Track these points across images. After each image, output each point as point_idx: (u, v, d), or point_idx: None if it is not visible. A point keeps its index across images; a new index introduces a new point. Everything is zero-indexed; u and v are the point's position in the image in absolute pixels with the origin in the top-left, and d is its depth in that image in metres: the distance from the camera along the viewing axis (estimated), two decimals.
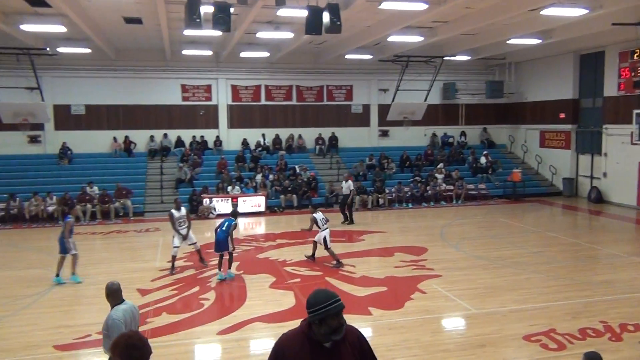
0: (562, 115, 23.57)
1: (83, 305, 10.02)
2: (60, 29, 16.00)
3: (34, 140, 22.31)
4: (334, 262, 12.36)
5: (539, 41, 19.27)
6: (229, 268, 11.69)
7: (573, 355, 7.37)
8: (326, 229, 12.55)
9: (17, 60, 19.11)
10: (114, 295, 5.45)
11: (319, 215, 12.65)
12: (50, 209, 18.72)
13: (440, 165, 23.91)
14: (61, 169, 21.67)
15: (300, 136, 24.81)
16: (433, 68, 22.64)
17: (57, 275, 11.29)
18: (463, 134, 26.85)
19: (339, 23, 11.27)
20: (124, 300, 5.50)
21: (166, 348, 7.93)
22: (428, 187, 22.24)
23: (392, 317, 9.07)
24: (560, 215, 20.38)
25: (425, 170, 23.83)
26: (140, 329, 8.51)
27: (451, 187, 22.49)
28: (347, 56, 22.41)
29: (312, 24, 11.46)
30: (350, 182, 18.62)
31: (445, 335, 8.61)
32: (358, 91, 25.66)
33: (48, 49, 18.80)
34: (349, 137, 25.44)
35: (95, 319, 9.05)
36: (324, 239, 12.40)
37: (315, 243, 12.74)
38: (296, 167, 22.65)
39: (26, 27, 15.66)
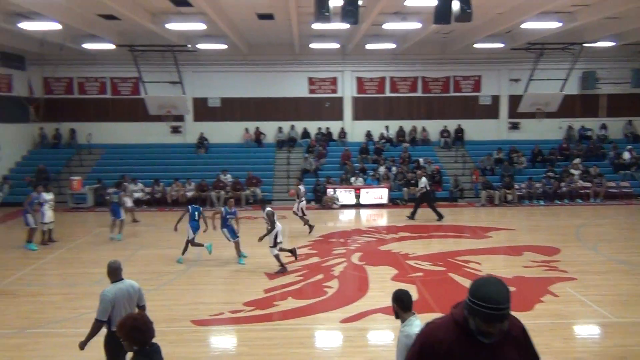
0: None
1: (217, 285, 10.71)
2: (201, 26, 17.14)
3: (175, 130, 24.27)
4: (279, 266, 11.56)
5: None
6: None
7: None
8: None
9: (162, 57, 20.85)
10: (113, 273, 5.82)
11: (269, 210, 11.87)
12: (189, 194, 20.23)
13: (577, 160, 22.22)
14: (198, 158, 23.34)
15: (424, 128, 24.38)
16: (571, 55, 21.04)
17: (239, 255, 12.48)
18: (603, 126, 24.68)
19: (469, 11, 10.88)
20: (122, 279, 5.82)
21: (292, 331, 8.26)
22: (562, 184, 20.79)
23: (520, 320, 8.62)
24: None
25: (560, 165, 22.28)
26: (268, 311, 9.02)
27: (589, 184, 20.83)
28: (476, 45, 21.56)
29: (441, 13, 11.19)
30: (424, 178, 17.91)
31: (579, 343, 8.04)
32: (487, 81, 24.62)
33: (189, 45, 20.25)
34: (476, 129, 24.53)
35: (227, 299, 9.73)
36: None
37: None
38: (420, 159, 22.32)
39: (171, 26, 16.99)
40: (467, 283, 10.14)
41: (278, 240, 11.39)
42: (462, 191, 20.90)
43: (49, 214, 14.00)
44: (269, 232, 11.38)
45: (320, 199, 19.99)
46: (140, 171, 21.34)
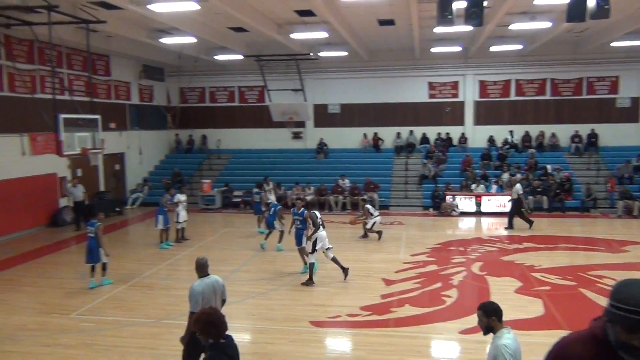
0: None
1: (335, 288, 10.88)
2: (323, 35, 17.61)
3: (296, 136, 25.13)
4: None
5: None
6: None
7: None
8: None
9: (285, 66, 21.70)
10: (200, 268, 6.23)
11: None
12: (309, 197, 20.81)
13: None
14: (318, 163, 23.94)
15: (553, 134, 22.94)
16: None
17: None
18: None
19: (607, 7, 10.10)
20: (208, 275, 6.20)
21: (409, 339, 8.19)
22: None
23: None
24: None
25: None
26: (385, 317, 9.02)
27: None
28: (614, 44, 19.88)
29: (575, 11, 10.50)
30: (518, 185, 16.84)
31: None
32: (625, 82, 22.60)
33: (311, 54, 20.86)
34: (613, 134, 22.59)
35: (345, 302, 9.86)
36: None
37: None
38: (548, 166, 21.03)
39: (295, 36, 17.64)
40: (601, 300, 9.44)
41: (317, 247, 11.10)
42: (595, 201, 19.36)
43: (182, 214, 15.13)
44: (312, 233, 11.20)
45: (438, 206, 19.58)
46: (264, 175, 22.32)
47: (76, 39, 15.51)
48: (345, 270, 11.18)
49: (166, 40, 18.07)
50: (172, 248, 14.51)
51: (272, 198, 18.37)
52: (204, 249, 14.48)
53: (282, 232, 13.99)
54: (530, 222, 16.48)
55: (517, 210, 16.71)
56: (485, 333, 4.52)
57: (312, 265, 11.12)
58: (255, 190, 17.20)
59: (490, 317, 4.46)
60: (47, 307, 9.81)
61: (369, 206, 15.54)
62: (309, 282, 10.99)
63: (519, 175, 20.15)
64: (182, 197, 15.20)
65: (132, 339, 8.27)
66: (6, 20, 13.43)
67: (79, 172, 18.91)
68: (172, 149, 26.17)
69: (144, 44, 18.96)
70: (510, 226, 16.65)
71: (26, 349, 7.98)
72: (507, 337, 4.34)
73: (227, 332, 4.40)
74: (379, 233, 15.23)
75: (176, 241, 15.10)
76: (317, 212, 11.55)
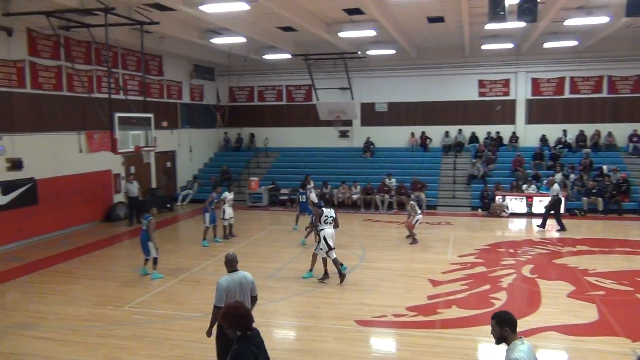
0: None
1: (380, 288, 10.82)
2: (371, 33, 17.53)
3: (343, 134, 25.14)
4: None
5: None
6: None
7: None
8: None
9: (333, 64, 21.73)
10: (228, 264, 6.31)
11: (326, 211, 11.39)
12: (354, 196, 20.78)
13: None
14: (365, 161, 23.86)
15: (610, 133, 22.05)
16: None
17: None
18: None
19: None
20: (237, 270, 6.26)
21: (456, 341, 8.08)
22: None
23: None
24: None
25: None
26: (431, 317, 8.92)
27: None
28: None
29: (635, 5, 10.09)
30: (556, 185, 16.49)
31: None
32: None
33: (359, 52, 20.81)
34: None
35: (390, 302, 9.80)
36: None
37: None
38: (604, 166, 20.24)
39: (344, 35, 17.63)
40: None
41: (331, 245, 11.06)
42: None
43: (229, 211, 15.42)
44: (313, 229, 11.19)
45: (487, 207, 19.18)
46: (311, 174, 22.41)
47: (131, 40, 16.02)
48: (342, 276, 11.04)
49: (216, 41, 18.42)
50: (220, 244, 14.79)
51: (312, 197, 18.55)
52: (251, 246, 14.70)
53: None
54: (563, 228, 16.05)
55: (555, 210, 16.30)
56: (498, 343, 4.36)
57: (336, 261, 11.08)
58: (300, 190, 17.45)
59: (503, 328, 4.29)
60: (102, 299, 10.19)
61: (413, 202, 15.31)
62: (325, 276, 11.13)
63: (558, 176, 19.52)
64: (229, 195, 15.49)
65: (182, 332, 8.50)
66: (66, 23, 14.00)
67: (132, 169, 19.54)
68: (221, 147, 26.66)
69: (195, 44, 19.39)
70: (542, 226, 16.40)
71: (82, 338, 8.32)
72: (520, 350, 4.18)
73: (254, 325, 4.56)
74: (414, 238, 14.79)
75: (224, 237, 15.39)
76: (327, 210, 11.37)
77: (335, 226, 11.41)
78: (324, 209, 11.41)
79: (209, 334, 6.24)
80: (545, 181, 19.73)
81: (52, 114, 16.08)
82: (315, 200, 18.80)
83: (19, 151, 14.77)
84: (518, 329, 8.22)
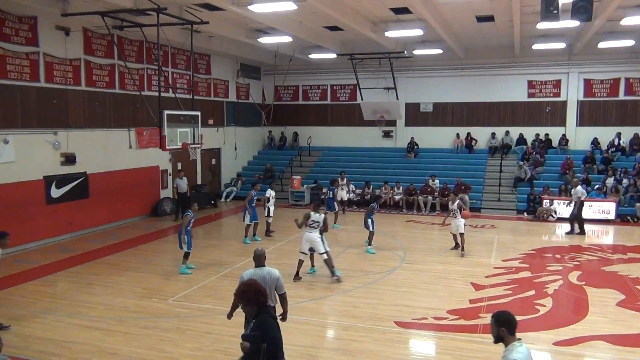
0: None
1: (421, 290, 10.72)
2: (418, 32, 17.34)
3: (387, 135, 24.99)
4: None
5: None
6: None
7: None
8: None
9: (379, 64, 21.59)
10: (256, 259, 6.68)
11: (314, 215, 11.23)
12: (397, 197, 20.63)
13: None
14: (408, 162, 23.65)
15: None
16: None
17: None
18: None
19: None
20: (263, 266, 6.61)
21: (497, 347, 7.88)
22: None
23: None
24: None
25: None
26: (473, 322, 8.77)
27: None
28: None
29: None
30: (579, 187, 16.29)
31: None
32: None
33: (405, 52, 20.63)
34: None
35: (431, 304, 9.70)
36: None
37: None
38: None
39: (390, 34, 17.51)
40: None
41: (304, 248, 11.24)
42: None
43: (272, 209, 15.63)
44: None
45: (534, 210, 18.68)
46: (353, 173, 22.36)
47: (180, 39, 16.39)
48: (297, 276, 11.12)
49: (263, 40, 18.63)
50: (262, 242, 14.95)
51: (343, 194, 18.72)
52: (291, 244, 14.79)
53: (371, 233, 13.96)
54: (578, 231, 16.04)
55: (579, 213, 16.15)
56: (495, 342, 4.38)
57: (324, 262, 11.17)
58: (330, 187, 17.74)
59: (501, 328, 4.29)
60: (147, 292, 10.48)
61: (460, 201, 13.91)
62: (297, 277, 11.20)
63: (579, 175, 19.36)
64: (272, 193, 15.67)
65: (224, 327, 8.61)
66: (120, 23, 14.46)
67: (179, 166, 20.00)
68: (265, 145, 26.95)
69: (243, 44, 19.67)
70: (578, 229, 16.18)
71: (128, 329, 8.58)
72: (518, 351, 4.16)
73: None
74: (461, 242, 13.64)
75: (266, 234, 15.57)
76: (314, 214, 11.18)
77: (324, 230, 11.38)
78: (312, 213, 11.28)
79: (229, 316, 6.70)
80: (596, 186, 19.09)
81: (104, 110, 16.65)
82: (345, 197, 19.03)
83: (72, 146, 15.34)
84: (564, 337, 8.05)
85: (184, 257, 11.78)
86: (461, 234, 13.38)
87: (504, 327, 4.29)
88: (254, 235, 15.35)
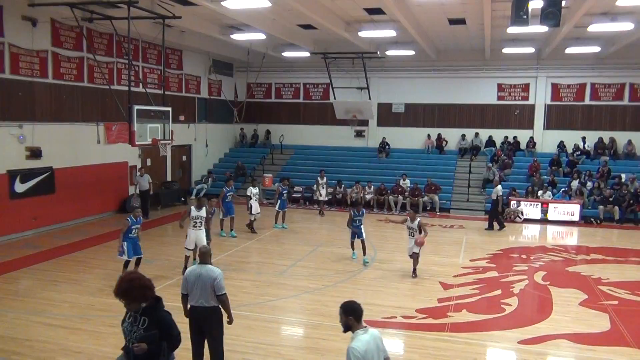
0: None
1: (389, 289, 10.79)
2: (391, 33, 17.47)
3: (359, 134, 25.11)
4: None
5: None
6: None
7: None
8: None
9: (352, 64, 21.67)
10: (200, 256, 6.46)
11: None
12: (368, 197, 20.73)
13: None
14: (379, 162, 23.80)
15: (630, 141, 21.72)
16: None
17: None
18: None
19: None
20: (207, 263, 6.35)
21: (465, 345, 8.04)
22: None
23: None
24: None
25: None
26: (441, 320, 8.88)
27: None
28: None
29: None
30: (499, 187, 17.26)
31: None
32: None
33: (378, 52, 20.74)
34: None
35: (400, 303, 9.79)
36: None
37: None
38: (622, 175, 19.97)
39: (363, 34, 17.59)
40: None
41: (188, 246, 11.43)
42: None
43: (255, 206, 15.69)
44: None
45: (502, 211, 19.01)
46: (325, 172, 22.41)
47: (152, 34, 16.14)
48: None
49: (236, 36, 18.49)
50: (234, 240, 14.86)
51: (323, 193, 18.87)
52: (262, 242, 14.77)
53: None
54: (502, 226, 17.19)
55: (492, 212, 17.21)
56: (345, 331, 4.58)
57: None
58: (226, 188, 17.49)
59: (348, 317, 4.50)
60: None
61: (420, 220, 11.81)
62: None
63: (545, 178, 20.13)
64: (254, 190, 15.78)
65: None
66: (89, 15, 14.16)
67: (149, 162, 19.70)
68: (237, 142, 26.76)
69: (215, 40, 19.48)
70: (490, 227, 17.21)
71: (93, 327, 8.42)
72: (359, 340, 4.38)
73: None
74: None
75: (252, 231, 15.73)
76: (195, 210, 11.38)
77: (206, 227, 11.68)
78: (192, 207, 11.51)
79: (185, 315, 6.51)
80: (562, 189, 19.55)
81: (72, 104, 16.29)
82: (325, 197, 19.08)
83: (38, 140, 14.97)
84: (529, 336, 8.22)
85: (124, 266, 10.73)
86: (415, 253, 11.52)
87: (351, 316, 4.50)
88: (231, 230, 15.24)
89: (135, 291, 4.47)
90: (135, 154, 18.91)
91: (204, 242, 11.18)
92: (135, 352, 4.41)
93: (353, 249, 12.96)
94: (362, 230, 12.70)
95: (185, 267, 11.15)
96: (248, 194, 15.78)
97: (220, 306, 6.35)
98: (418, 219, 11.55)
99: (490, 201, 17.48)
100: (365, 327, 4.51)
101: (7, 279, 10.93)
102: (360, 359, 4.27)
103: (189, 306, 6.41)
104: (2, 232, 14.04)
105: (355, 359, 4.26)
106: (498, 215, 17.32)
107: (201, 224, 11.41)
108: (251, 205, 15.64)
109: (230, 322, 6.50)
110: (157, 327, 4.48)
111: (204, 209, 11.52)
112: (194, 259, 11.19)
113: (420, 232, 11.42)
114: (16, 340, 7.86)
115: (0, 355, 7.34)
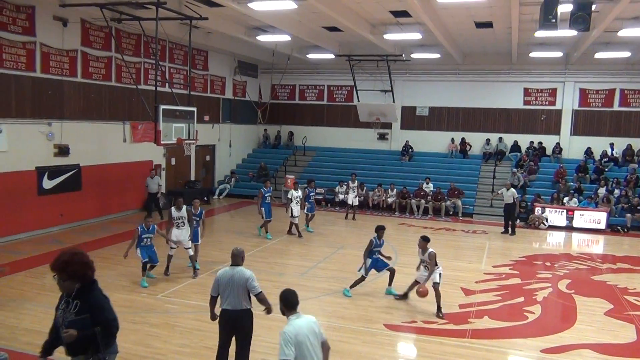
0: None
1: (411, 293, 10.63)
2: (416, 36, 17.39)
3: (382, 137, 25.01)
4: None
5: None
6: None
7: None
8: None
9: (376, 66, 21.63)
10: (232, 258, 6.49)
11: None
12: (390, 200, 20.65)
13: None
14: (402, 165, 23.68)
15: None
16: None
17: None
18: None
19: None
20: (238, 265, 6.40)
21: (486, 352, 7.94)
22: None
23: None
24: None
25: None
26: (462, 327, 8.79)
27: None
28: None
29: None
30: (512, 190, 17.31)
31: None
32: None
33: (403, 55, 20.65)
34: None
35: (421, 308, 9.71)
36: None
37: None
38: None
39: (389, 37, 17.55)
40: None
41: (172, 245, 11.29)
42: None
43: (296, 209, 15.49)
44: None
45: (525, 218, 18.76)
46: (347, 175, 22.39)
47: (179, 34, 16.35)
48: (167, 270, 11.34)
49: (262, 38, 18.60)
50: (256, 240, 14.93)
51: (352, 197, 18.77)
52: (283, 243, 14.80)
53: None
54: (513, 232, 17.11)
55: (509, 215, 17.16)
56: (283, 314, 4.97)
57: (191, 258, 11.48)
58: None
59: (281, 304, 4.93)
60: (136, 287, 10.43)
61: (433, 251, 9.88)
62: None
63: (571, 184, 19.78)
64: (294, 193, 15.63)
65: (213, 324, 8.59)
66: (118, 15, 14.38)
67: (173, 161, 19.92)
68: (260, 143, 26.90)
69: (241, 41, 19.63)
70: (506, 230, 17.23)
71: None
72: (290, 324, 4.74)
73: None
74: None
75: (289, 234, 15.66)
76: (175, 211, 11.22)
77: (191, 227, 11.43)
78: (172, 209, 11.35)
79: (212, 318, 6.61)
80: (588, 196, 19.21)
81: (100, 103, 16.57)
82: (356, 202, 18.99)
83: (66, 138, 15.26)
84: (551, 345, 8.08)
85: (142, 269, 10.69)
86: (435, 283, 9.65)
87: (282, 303, 4.92)
88: (267, 232, 15.32)
89: (74, 266, 4.12)
90: (160, 153, 19.14)
91: (187, 240, 11.20)
92: (64, 339, 4.03)
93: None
94: (383, 259, 10.77)
95: (168, 267, 11.30)
96: (289, 197, 15.62)
97: (251, 309, 6.44)
98: (429, 250, 9.70)
99: (506, 205, 17.23)
100: (297, 312, 4.87)
101: (34, 273, 11.16)
102: (290, 341, 4.59)
103: (219, 309, 6.41)
104: (30, 228, 14.35)
105: (285, 342, 4.58)
106: (515, 219, 17.24)
107: (184, 224, 11.24)
108: (292, 209, 15.45)
109: (269, 312, 6.46)
110: (90, 311, 4.20)
111: (183, 208, 11.30)
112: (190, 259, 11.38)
113: (433, 265, 9.62)
114: (42, 334, 7.98)
115: (27, 348, 7.48)
